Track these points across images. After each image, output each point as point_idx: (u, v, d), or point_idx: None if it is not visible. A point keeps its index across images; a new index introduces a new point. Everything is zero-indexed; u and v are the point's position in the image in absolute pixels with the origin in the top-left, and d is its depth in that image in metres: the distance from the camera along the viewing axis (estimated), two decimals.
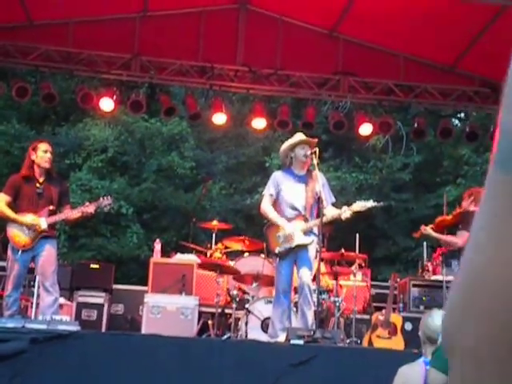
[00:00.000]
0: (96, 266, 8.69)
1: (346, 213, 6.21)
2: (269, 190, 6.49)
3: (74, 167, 15.25)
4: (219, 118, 8.85)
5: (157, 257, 8.45)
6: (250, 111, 9.23)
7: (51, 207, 6.37)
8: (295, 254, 6.24)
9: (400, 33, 8.34)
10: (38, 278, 6.40)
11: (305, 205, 6.30)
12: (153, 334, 6.18)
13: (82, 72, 8.54)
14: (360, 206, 6.26)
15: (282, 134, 14.23)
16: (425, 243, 9.38)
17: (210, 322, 7.46)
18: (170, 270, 8.01)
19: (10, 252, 6.33)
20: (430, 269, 8.84)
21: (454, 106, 9.20)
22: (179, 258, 8.54)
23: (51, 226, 6.39)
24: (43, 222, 6.28)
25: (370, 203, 6.28)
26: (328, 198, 6.35)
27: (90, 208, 6.45)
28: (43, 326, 5.40)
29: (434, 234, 6.87)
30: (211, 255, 8.57)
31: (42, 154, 6.40)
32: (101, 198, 6.59)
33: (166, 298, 7.60)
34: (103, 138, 15.61)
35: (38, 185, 6.40)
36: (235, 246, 8.48)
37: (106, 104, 8.47)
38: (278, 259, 6.35)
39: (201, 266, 7.95)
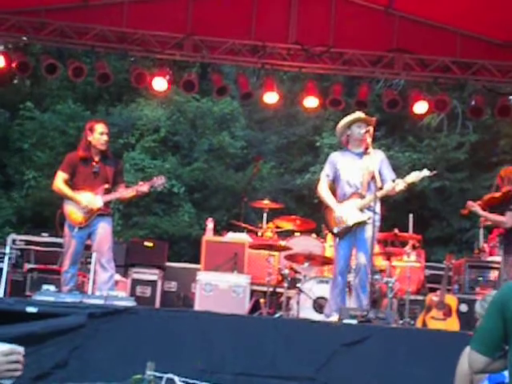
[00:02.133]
0: (150, 244, 8.80)
1: (399, 185, 6.16)
2: (325, 171, 6.51)
3: (127, 147, 15.45)
4: (271, 97, 8.81)
5: (209, 235, 8.51)
6: (302, 90, 9.14)
7: (107, 186, 6.46)
8: (354, 233, 6.22)
9: (457, 8, 8.13)
10: (94, 254, 6.53)
11: (362, 182, 6.26)
12: (205, 311, 6.26)
13: (136, 52, 8.59)
14: (414, 176, 6.20)
15: (333, 113, 14.15)
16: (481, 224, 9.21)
17: (261, 300, 7.50)
18: (222, 249, 8.06)
19: (66, 229, 6.46)
20: (487, 250, 8.69)
21: None
22: (231, 236, 8.58)
23: (106, 204, 6.49)
24: (99, 200, 6.38)
25: (424, 173, 6.20)
26: (387, 174, 6.30)
27: (144, 187, 6.52)
28: (100, 302, 5.52)
29: (482, 212, 6.71)
30: (262, 235, 8.59)
31: (98, 136, 6.49)
32: (154, 178, 6.65)
33: (218, 276, 7.66)
34: (155, 117, 15.75)
35: (94, 164, 6.50)
36: (286, 225, 8.48)
37: (159, 84, 8.52)
38: (336, 239, 6.34)
39: (252, 246, 7.98)
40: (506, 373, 2.82)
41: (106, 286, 6.21)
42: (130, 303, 5.58)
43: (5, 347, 2.23)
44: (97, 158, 6.52)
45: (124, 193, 6.54)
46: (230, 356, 5.19)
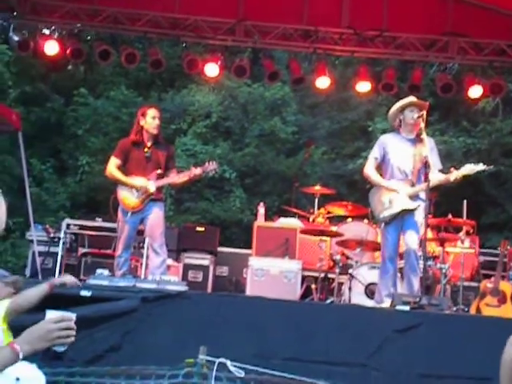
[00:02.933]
0: (202, 229, 8.87)
1: (453, 176, 6.04)
2: (374, 153, 6.38)
3: (179, 132, 15.56)
4: (323, 82, 8.76)
5: (260, 220, 8.53)
6: (354, 74, 9.07)
7: (159, 171, 6.52)
8: (401, 219, 6.13)
9: None
10: (146, 239, 6.61)
11: (412, 169, 6.16)
12: (257, 296, 6.28)
13: (188, 38, 8.65)
14: (469, 169, 6.07)
15: (385, 97, 13.96)
16: None
17: (313, 286, 7.50)
18: (274, 234, 8.08)
19: (120, 214, 6.55)
20: None
21: None
22: (282, 222, 8.59)
23: (159, 190, 6.55)
24: (152, 185, 6.44)
25: (480, 167, 6.07)
26: (436, 163, 6.19)
27: (196, 172, 6.55)
28: (153, 286, 5.59)
29: None
30: (314, 220, 8.58)
31: (150, 120, 6.54)
32: (206, 163, 6.67)
33: (270, 261, 7.69)
34: (207, 103, 15.81)
35: (146, 149, 6.56)
36: (338, 211, 8.45)
37: (211, 69, 8.56)
38: (383, 224, 6.26)
39: (303, 232, 7.97)
40: None
41: (159, 270, 6.28)
42: (182, 288, 5.64)
43: (55, 314, 2.27)
44: (149, 143, 6.58)
45: (176, 178, 6.59)
46: (281, 341, 5.21)
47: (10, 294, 4.18)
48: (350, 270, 6.97)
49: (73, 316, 2.28)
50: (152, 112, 6.57)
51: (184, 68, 8.73)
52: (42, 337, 2.20)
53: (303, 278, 7.75)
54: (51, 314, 2.27)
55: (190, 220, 13.93)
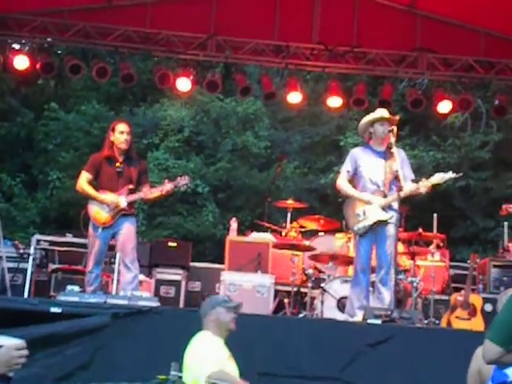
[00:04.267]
0: (174, 244, 8.83)
1: (423, 186, 6.11)
2: (346, 167, 6.44)
3: (151, 147, 15.51)
4: (294, 97, 8.81)
5: (233, 235, 8.52)
6: (326, 90, 9.14)
7: (131, 186, 6.49)
8: (375, 231, 6.18)
9: (480, 7, 8.07)
10: (118, 255, 6.57)
11: (384, 180, 6.22)
12: None
13: (159, 52, 8.66)
14: (439, 178, 6.15)
15: (356, 112, 14.08)
16: (505, 223, 9.13)
17: (285, 300, 7.49)
18: (246, 249, 8.06)
19: (91, 229, 6.50)
20: (511, 249, 8.61)
21: None
22: (255, 236, 8.59)
23: (130, 205, 6.52)
24: (123, 201, 6.41)
25: (449, 175, 6.16)
26: (408, 174, 6.27)
27: (168, 187, 6.54)
28: (124, 302, 5.55)
29: None
30: (286, 234, 8.59)
31: (118, 135, 6.53)
32: (178, 178, 6.66)
33: (242, 275, 7.67)
34: (179, 117, 15.80)
35: (117, 164, 6.54)
36: (310, 225, 8.47)
37: (183, 84, 8.57)
38: (357, 237, 6.31)
39: (276, 246, 7.98)
40: (509, 372, 2.84)
41: (130, 286, 6.23)
42: (154, 303, 5.61)
43: (16, 341, 2.28)
44: (121, 159, 6.55)
45: (148, 193, 6.56)
46: (254, 356, 5.20)
47: (234, 320, 4.11)
48: (323, 284, 6.98)
49: (24, 343, 2.31)
50: (121, 127, 6.56)
51: (156, 82, 8.73)
52: (5, 363, 2.22)
53: (276, 293, 7.74)
54: (6, 341, 2.28)
55: (162, 235, 13.87)
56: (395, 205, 6.10)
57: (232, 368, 4.14)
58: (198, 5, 8.52)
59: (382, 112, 6.45)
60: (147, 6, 8.48)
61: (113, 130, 6.56)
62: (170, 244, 8.85)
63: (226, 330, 4.21)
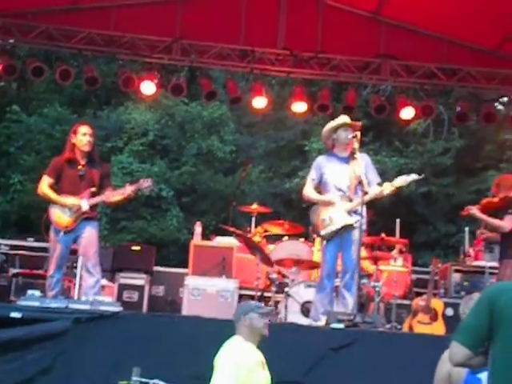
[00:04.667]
0: (137, 248, 8.77)
1: (387, 188, 6.18)
2: (311, 175, 6.51)
3: (115, 150, 15.40)
4: (259, 102, 8.83)
5: (197, 239, 8.50)
6: (290, 95, 9.17)
7: (93, 189, 6.42)
8: (340, 236, 6.23)
9: (443, 15, 8.19)
10: (80, 259, 6.49)
11: (349, 185, 6.27)
12: (193, 316, 6.24)
13: (124, 56, 8.59)
14: (402, 180, 6.23)
15: (321, 118, 14.16)
16: (466, 229, 9.27)
17: None
18: (211, 253, 8.05)
19: (52, 233, 6.42)
20: (472, 254, 8.74)
21: (498, 90, 9.02)
22: (219, 241, 8.57)
23: (92, 208, 6.44)
24: (85, 204, 6.34)
25: (412, 177, 6.24)
26: (374, 178, 6.33)
27: (130, 190, 6.48)
28: (86, 307, 5.49)
29: (481, 215, 6.74)
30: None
31: (81, 137, 6.45)
32: (141, 180, 6.60)
33: (206, 280, 7.64)
34: (144, 121, 15.73)
35: (79, 167, 6.46)
36: (275, 229, 8.48)
37: (148, 87, 8.52)
38: (324, 242, 6.35)
39: (240, 250, 8.00)
40: (482, 376, 2.88)
41: (92, 290, 6.17)
42: (117, 308, 5.56)
43: None
44: (83, 161, 6.48)
45: (110, 196, 6.50)
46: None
47: (267, 325, 4.08)
48: (286, 289, 6.99)
49: None
50: (83, 129, 6.49)
51: (120, 86, 8.66)
52: None
53: (240, 297, 7.74)
54: None
55: (125, 239, 13.77)
56: (361, 209, 6.15)
57: (262, 375, 4.12)
58: (163, 8, 8.50)
59: (344, 118, 6.51)
60: (112, 8, 8.42)
61: (75, 132, 6.48)
62: (134, 248, 8.79)
63: (259, 336, 4.22)
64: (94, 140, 6.55)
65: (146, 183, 6.53)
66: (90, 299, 5.67)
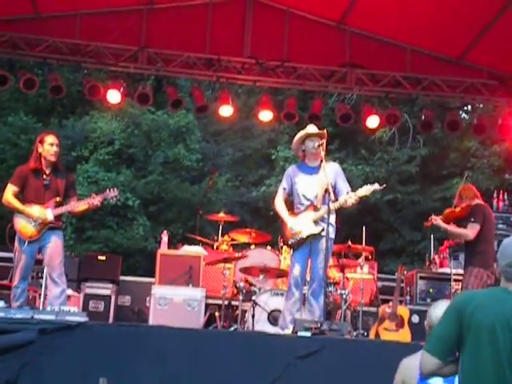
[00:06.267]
0: (103, 258, 8.71)
1: (351, 198, 6.24)
2: (282, 185, 6.61)
3: (80, 159, 15.27)
4: (226, 111, 8.84)
5: (164, 248, 8.46)
6: (257, 103, 9.21)
7: (58, 199, 6.38)
8: (308, 245, 6.27)
9: (407, 25, 8.30)
10: (45, 269, 6.42)
11: (316, 195, 6.32)
12: (160, 326, 6.20)
13: (89, 64, 8.53)
14: (365, 190, 6.29)
15: (288, 126, 14.25)
16: (432, 236, 9.38)
17: (216, 313, 7.48)
18: (177, 262, 8.02)
19: (17, 243, 6.34)
20: (437, 261, 8.85)
21: (462, 99, 9.16)
22: (186, 249, 8.55)
23: (57, 218, 6.40)
24: (49, 214, 6.29)
25: (375, 186, 6.30)
26: (344, 186, 6.39)
27: (96, 200, 6.45)
28: (51, 317, 5.41)
29: (445, 225, 6.87)
30: (218, 247, 8.59)
31: (48, 147, 6.41)
32: (107, 190, 6.60)
33: (173, 289, 7.62)
34: (110, 130, 15.62)
35: (44, 177, 6.42)
36: (242, 238, 8.49)
37: (113, 96, 8.47)
38: (292, 251, 6.39)
39: (207, 259, 7.98)
40: (432, 381, 2.93)
41: (58, 301, 6.11)
42: (83, 318, 5.50)
43: None
44: (48, 171, 6.44)
45: (75, 206, 6.46)
46: (185, 370, 5.16)
47: None
48: (254, 297, 7.00)
49: None
50: (50, 139, 6.45)
51: (85, 94, 8.60)
52: None
53: (207, 306, 7.72)
54: None
55: (91, 249, 13.65)
56: (330, 218, 6.20)
57: None
58: (128, 17, 8.46)
59: (310, 128, 6.57)
60: (77, 17, 8.36)
61: (41, 142, 6.44)
62: (99, 258, 8.73)
63: None
64: (59, 150, 6.52)
65: (112, 193, 6.52)
66: (55, 309, 5.60)
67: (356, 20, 8.54)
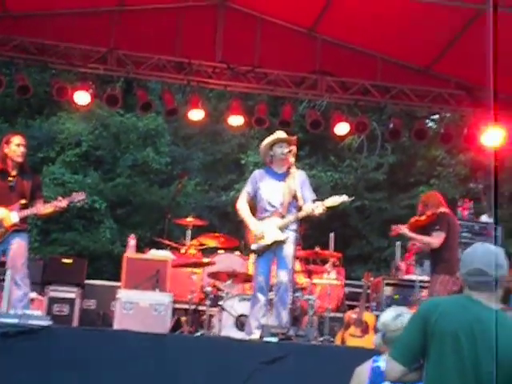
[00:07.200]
0: (68, 261, 8.61)
1: (319, 208, 6.24)
2: (247, 188, 6.53)
3: (47, 161, 15.10)
4: (196, 114, 8.81)
5: (131, 252, 8.40)
6: (227, 108, 9.20)
7: (23, 201, 6.29)
8: (273, 251, 6.26)
9: (377, 34, 8.37)
10: (8, 271, 6.32)
11: (282, 202, 6.31)
12: (125, 330, 6.15)
13: (57, 65, 8.43)
14: (333, 200, 6.30)
15: (258, 131, 14.27)
16: (398, 243, 9.45)
17: (183, 318, 7.44)
18: (144, 266, 7.96)
19: None
20: (403, 268, 8.92)
21: (429, 108, 9.26)
22: (153, 253, 8.49)
23: (23, 220, 6.29)
24: (15, 216, 6.20)
25: (343, 198, 6.32)
26: (309, 195, 6.38)
27: (62, 203, 6.37)
28: (14, 321, 5.33)
29: (411, 234, 6.93)
30: (186, 252, 8.54)
31: (14, 148, 6.33)
32: (74, 193, 6.52)
33: (139, 293, 7.55)
34: (77, 131, 15.48)
35: (10, 178, 6.32)
36: (210, 242, 8.46)
37: (81, 97, 8.38)
38: (255, 256, 6.37)
39: (175, 263, 7.94)
40: None
41: (21, 304, 6.01)
42: (46, 322, 5.42)
43: None
44: (13, 172, 6.34)
45: (41, 208, 6.37)
46: (149, 375, 5.13)
47: None
48: (221, 302, 6.97)
49: None
50: (16, 139, 6.36)
51: (53, 95, 8.51)
52: None
53: (174, 311, 7.67)
54: None
55: (57, 251, 13.50)
56: (293, 225, 6.21)
57: None
58: (97, 18, 8.39)
59: (278, 133, 6.55)
60: (45, 17, 8.27)
61: (7, 142, 6.35)
62: (65, 261, 8.63)
63: None
64: (26, 151, 6.43)
65: (79, 196, 6.44)
66: (18, 313, 5.52)
67: (327, 28, 8.58)
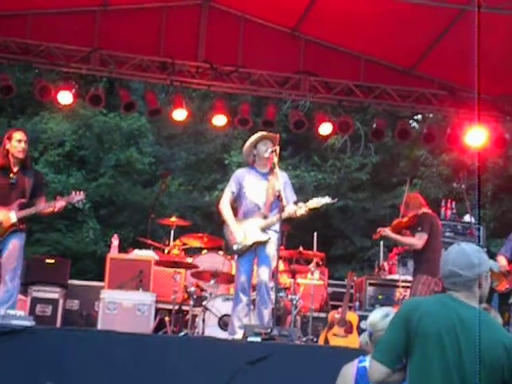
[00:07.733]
0: (51, 261, 8.57)
1: (301, 209, 6.26)
2: (230, 188, 6.50)
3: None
4: (179, 114, 8.80)
5: (114, 252, 8.38)
6: (211, 108, 9.19)
7: (23, 200, 6.22)
8: (254, 251, 6.26)
9: (360, 34, 8.41)
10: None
11: (265, 202, 6.31)
12: (108, 330, 6.15)
13: (40, 64, 8.39)
14: (315, 202, 6.32)
15: (241, 131, 14.26)
16: (381, 243, 9.50)
17: (166, 318, 7.43)
18: (128, 266, 7.95)
19: None
20: (386, 268, 8.97)
21: (413, 108, 9.31)
22: (137, 254, 8.47)
23: (21, 220, 6.23)
24: (13, 216, 6.14)
25: (325, 200, 6.34)
26: (290, 196, 6.38)
27: (61, 203, 6.32)
28: None
29: (394, 236, 6.96)
30: (169, 252, 8.53)
31: (15, 144, 6.26)
32: (73, 193, 6.47)
33: (123, 294, 7.55)
34: (60, 131, 15.40)
35: (11, 175, 6.25)
36: (194, 242, 8.45)
37: (64, 97, 8.35)
38: (237, 256, 6.36)
39: (158, 263, 7.92)
40: None
41: (5, 305, 5.96)
42: (29, 322, 5.40)
43: None
44: (15, 169, 6.29)
45: (41, 208, 6.32)
46: (133, 376, 5.11)
47: None
48: (204, 302, 6.98)
49: None
50: (17, 135, 6.30)
51: (36, 95, 8.46)
52: None
53: (157, 311, 7.67)
54: None
55: (39, 252, 13.40)
56: (276, 226, 6.21)
57: None
58: (80, 18, 8.36)
59: (262, 132, 6.55)
60: (28, 16, 8.22)
61: (9, 138, 6.28)
62: (47, 261, 8.59)
63: None
64: (27, 147, 6.38)
65: (78, 196, 6.41)
66: (1, 313, 5.48)
67: (310, 28, 8.61)
